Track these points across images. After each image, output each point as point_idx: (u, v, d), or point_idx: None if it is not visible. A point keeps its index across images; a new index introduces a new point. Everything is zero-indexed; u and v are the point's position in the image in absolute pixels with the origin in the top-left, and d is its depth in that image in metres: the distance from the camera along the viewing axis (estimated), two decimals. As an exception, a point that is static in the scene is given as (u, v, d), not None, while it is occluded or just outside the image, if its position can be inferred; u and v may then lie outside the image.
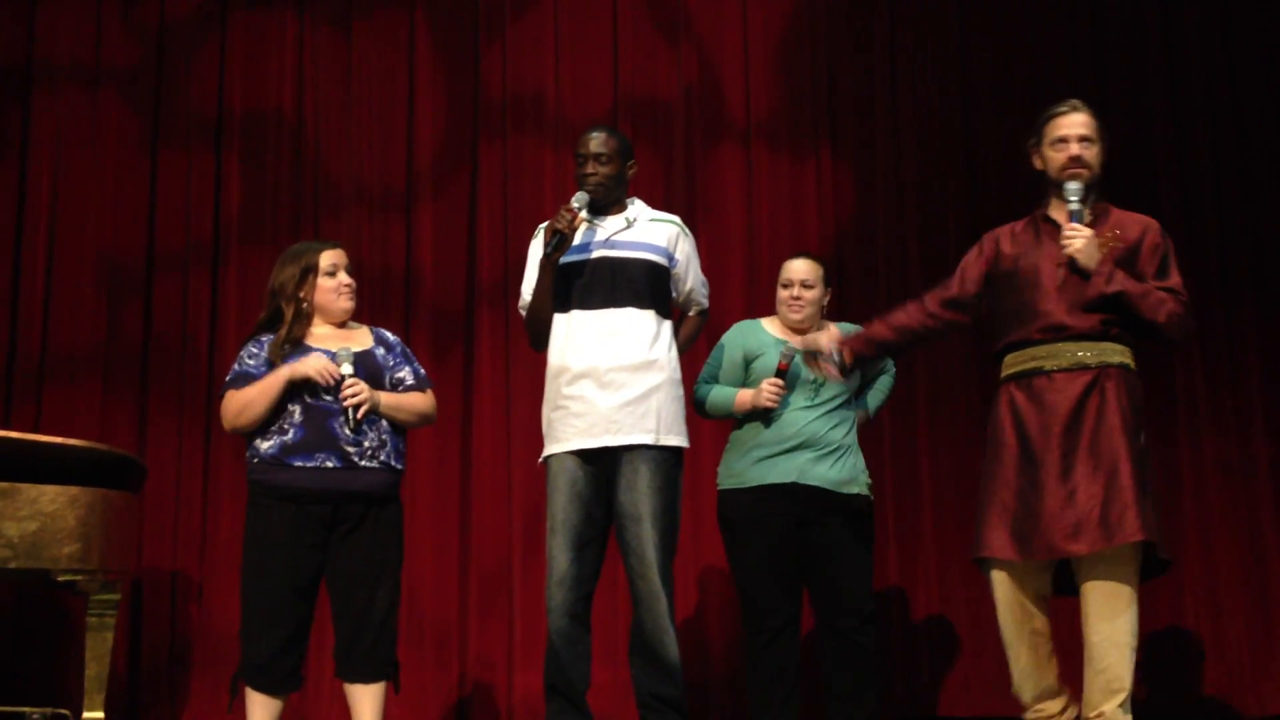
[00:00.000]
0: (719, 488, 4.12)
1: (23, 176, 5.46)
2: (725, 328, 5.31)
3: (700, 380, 4.23)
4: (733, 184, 5.56)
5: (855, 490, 4.03)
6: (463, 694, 5.16)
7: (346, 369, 3.63)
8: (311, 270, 3.76)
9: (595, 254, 3.90)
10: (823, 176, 5.56)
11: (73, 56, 5.55)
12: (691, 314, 4.14)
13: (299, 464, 3.58)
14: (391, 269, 5.46)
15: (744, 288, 5.46)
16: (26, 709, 4.26)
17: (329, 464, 3.59)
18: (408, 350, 3.92)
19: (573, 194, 3.91)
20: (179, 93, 5.57)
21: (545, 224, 4.06)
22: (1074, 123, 3.67)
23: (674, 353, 3.95)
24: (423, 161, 5.58)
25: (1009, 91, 5.60)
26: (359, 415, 3.61)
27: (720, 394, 4.14)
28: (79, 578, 4.04)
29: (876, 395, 4.32)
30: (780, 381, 4.00)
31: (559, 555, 3.83)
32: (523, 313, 4.06)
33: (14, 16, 5.56)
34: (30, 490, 3.99)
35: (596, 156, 3.93)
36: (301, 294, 3.75)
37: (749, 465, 4.02)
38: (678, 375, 3.94)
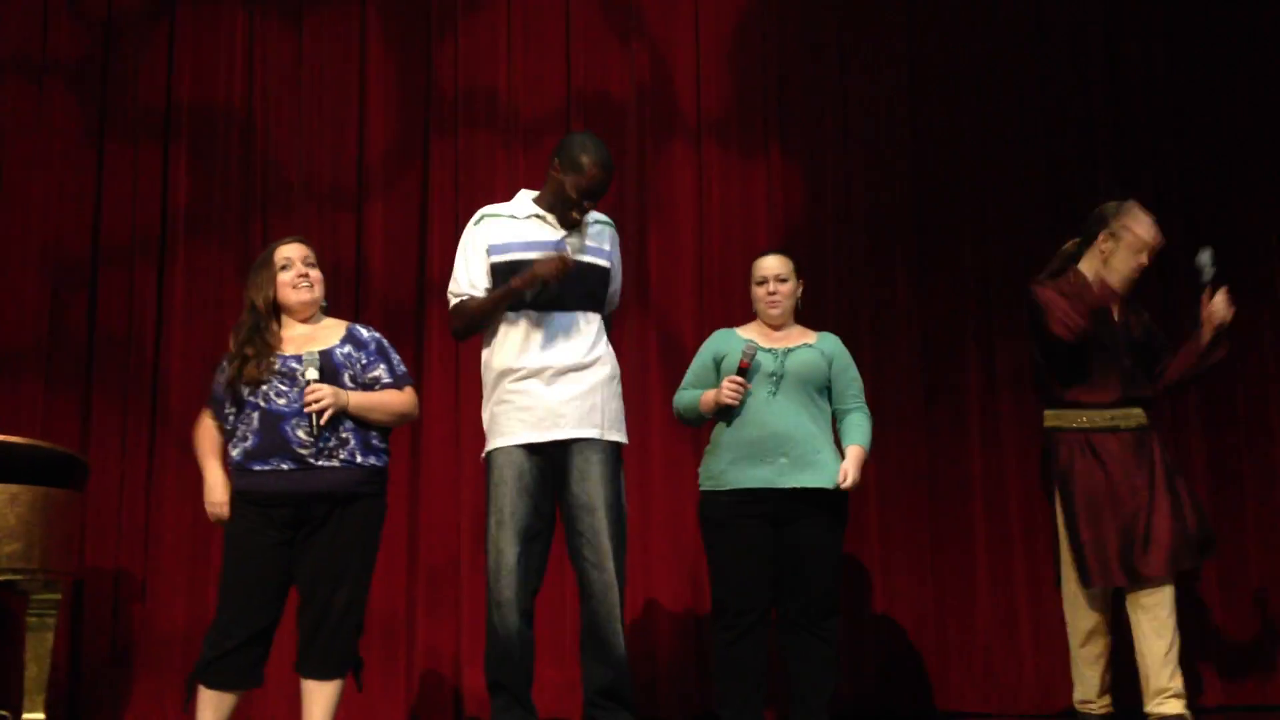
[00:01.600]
0: (700, 489, 4.12)
1: (-34, 168, 5.38)
2: (675, 322, 5.35)
3: (679, 389, 4.24)
4: (684, 182, 5.57)
5: (830, 485, 4.00)
6: (410, 689, 5.14)
7: (311, 374, 3.62)
8: (270, 273, 3.74)
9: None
10: (773, 175, 5.59)
11: (18, 47, 5.47)
12: (608, 314, 4.08)
13: (258, 468, 3.59)
14: (341, 265, 5.41)
15: (693, 283, 5.48)
16: (-35, 709, 4.21)
17: (284, 467, 3.59)
18: (385, 346, 3.84)
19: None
20: (126, 85, 5.50)
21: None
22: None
23: (611, 349, 3.95)
24: (373, 156, 5.54)
25: (956, 92, 5.65)
26: (322, 421, 3.60)
27: (688, 396, 4.16)
28: (19, 577, 4.00)
29: (856, 432, 4.11)
30: (741, 379, 4.00)
31: (507, 548, 3.80)
32: (453, 301, 3.97)
33: (-43, 7, 5.48)
34: (-30, 488, 3.95)
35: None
36: (273, 297, 3.74)
37: (725, 467, 4.03)
38: (618, 372, 3.94)
